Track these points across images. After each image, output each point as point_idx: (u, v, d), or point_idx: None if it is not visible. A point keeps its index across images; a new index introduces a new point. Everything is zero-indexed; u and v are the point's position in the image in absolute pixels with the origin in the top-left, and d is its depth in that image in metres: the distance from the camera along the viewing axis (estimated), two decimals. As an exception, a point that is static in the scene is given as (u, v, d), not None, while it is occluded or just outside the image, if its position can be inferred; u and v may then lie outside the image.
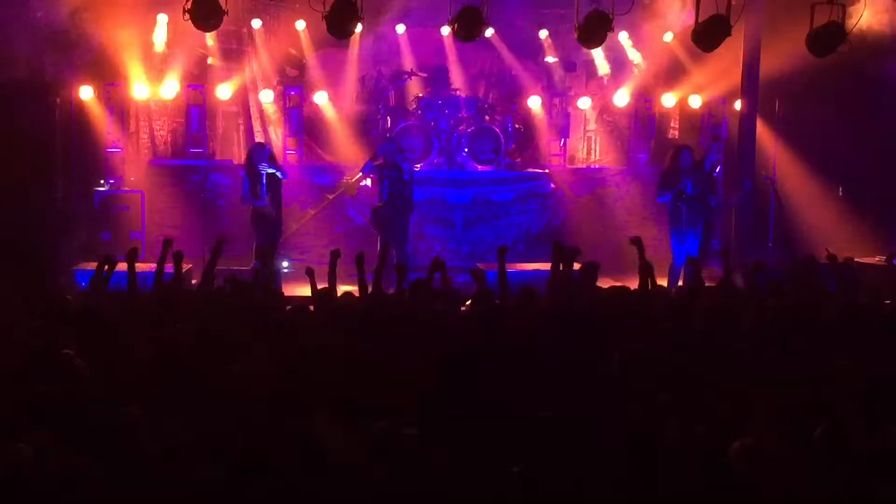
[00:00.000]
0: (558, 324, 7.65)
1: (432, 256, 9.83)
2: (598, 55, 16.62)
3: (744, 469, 5.10)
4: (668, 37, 16.19)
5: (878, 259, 11.42)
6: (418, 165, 15.39)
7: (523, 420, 5.66)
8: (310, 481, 5.05)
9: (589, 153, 17.46)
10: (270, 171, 12.59)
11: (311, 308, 8.43)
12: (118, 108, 14.85)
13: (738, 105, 14.70)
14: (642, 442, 5.15)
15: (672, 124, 17.06)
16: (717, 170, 15.70)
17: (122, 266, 8.99)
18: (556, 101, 16.94)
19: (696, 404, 5.92)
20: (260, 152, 12.79)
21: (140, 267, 9.03)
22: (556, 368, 6.78)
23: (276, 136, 16.17)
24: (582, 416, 5.84)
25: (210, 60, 15.77)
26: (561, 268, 9.21)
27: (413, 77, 16.71)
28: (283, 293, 10.18)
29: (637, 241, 9.43)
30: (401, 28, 16.48)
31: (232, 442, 5.66)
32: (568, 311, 8.03)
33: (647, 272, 8.98)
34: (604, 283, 9.90)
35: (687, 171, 12.43)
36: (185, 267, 9.81)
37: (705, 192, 12.58)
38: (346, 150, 16.20)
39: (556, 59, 17.05)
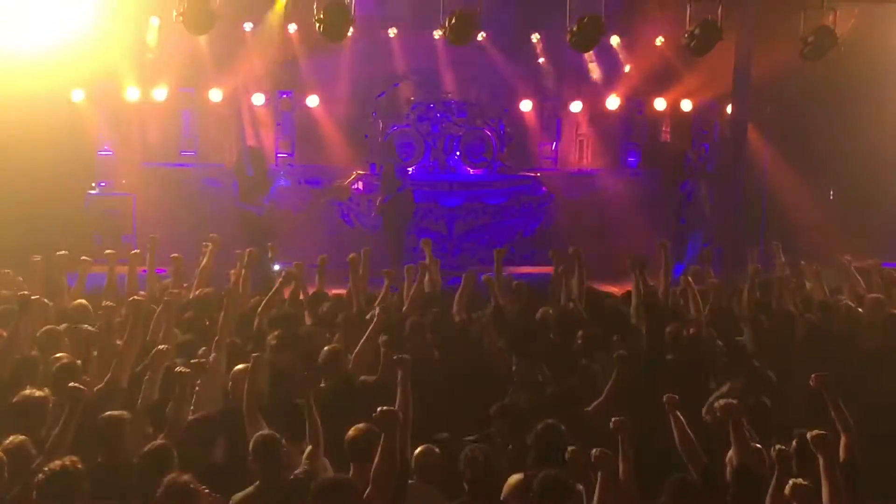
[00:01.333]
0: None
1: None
2: (589, 59, 16.62)
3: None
4: (660, 41, 16.22)
5: (871, 262, 11.45)
6: (410, 169, 15.41)
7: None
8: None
9: (580, 157, 17.47)
10: (283, 184, 12.69)
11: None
12: (110, 110, 14.82)
13: (729, 109, 14.74)
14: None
15: (664, 128, 17.10)
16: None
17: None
18: (548, 104, 16.97)
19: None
20: (258, 157, 12.84)
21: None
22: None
23: (268, 140, 16.15)
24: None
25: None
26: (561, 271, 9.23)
27: (405, 81, 16.71)
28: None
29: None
30: (393, 31, 16.47)
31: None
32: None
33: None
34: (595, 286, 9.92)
35: (689, 172, 12.58)
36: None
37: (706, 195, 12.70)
38: (338, 153, 16.21)
39: (547, 63, 17.06)
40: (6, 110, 11.81)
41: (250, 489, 5.23)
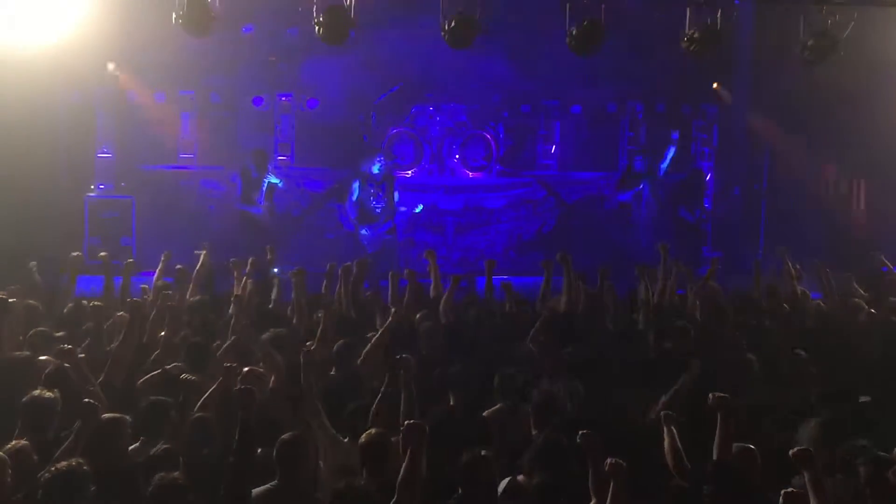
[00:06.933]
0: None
1: (425, 262, 9.89)
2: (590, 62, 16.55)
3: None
4: (660, 44, 16.15)
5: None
6: (409, 172, 15.39)
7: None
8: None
9: (580, 160, 17.42)
10: (275, 181, 12.63)
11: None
12: (109, 112, 14.78)
13: (728, 112, 14.74)
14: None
15: (662, 131, 17.05)
16: (708, 177, 15.83)
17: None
18: (548, 107, 16.93)
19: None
20: (263, 159, 12.82)
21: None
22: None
23: (268, 142, 16.10)
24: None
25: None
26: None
27: (404, 83, 16.66)
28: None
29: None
30: (393, 34, 16.42)
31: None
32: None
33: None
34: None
35: (642, 174, 12.78)
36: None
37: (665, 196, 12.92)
38: (337, 155, 16.16)
39: (547, 65, 17.00)
40: (5, 112, 11.78)
41: (270, 485, 5.26)
